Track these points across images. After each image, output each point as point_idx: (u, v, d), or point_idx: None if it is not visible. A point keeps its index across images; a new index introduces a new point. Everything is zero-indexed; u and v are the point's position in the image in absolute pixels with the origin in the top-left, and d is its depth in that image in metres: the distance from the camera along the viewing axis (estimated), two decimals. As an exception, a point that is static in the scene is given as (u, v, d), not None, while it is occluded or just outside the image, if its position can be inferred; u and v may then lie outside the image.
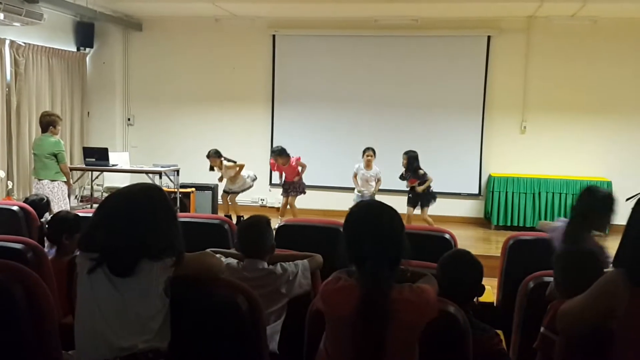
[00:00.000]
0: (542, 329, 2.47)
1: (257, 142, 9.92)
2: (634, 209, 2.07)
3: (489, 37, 9.43)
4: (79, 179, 9.01)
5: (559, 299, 2.41)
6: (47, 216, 5.21)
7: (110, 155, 8.47)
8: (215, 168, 8.80)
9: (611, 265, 2.17)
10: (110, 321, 2.17)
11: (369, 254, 2.14)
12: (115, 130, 10.47)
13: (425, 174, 8.14)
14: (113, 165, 8.48)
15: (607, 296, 1.98)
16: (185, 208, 8.69)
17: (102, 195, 9.11)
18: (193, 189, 9.09)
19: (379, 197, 7.96)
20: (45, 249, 3.71)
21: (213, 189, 9.29)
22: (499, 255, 4.15)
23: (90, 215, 2.42)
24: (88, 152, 8.58)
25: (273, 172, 9.31)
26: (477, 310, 2.67)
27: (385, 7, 8.76)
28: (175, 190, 8.55)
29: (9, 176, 8.51)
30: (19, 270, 2.33)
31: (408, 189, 8.30)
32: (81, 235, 2.44)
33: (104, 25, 10.00)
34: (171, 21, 10.20)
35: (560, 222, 3.70)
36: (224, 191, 8.96)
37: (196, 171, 9.35)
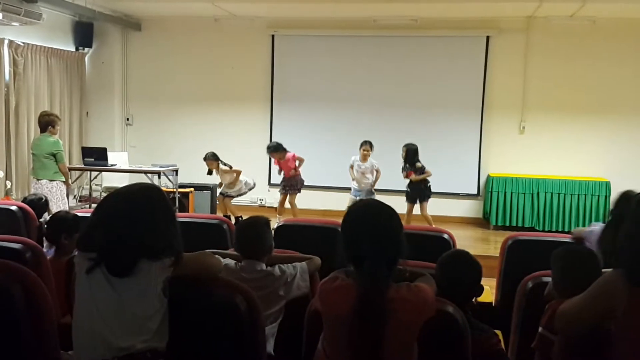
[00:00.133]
0: (540, 329, 2.47)
1: (256, 142, 9.90)
2: (632, 210, 2.07)
3: (488, 37, 9.43)
4: (77, 178, 9.00)
5: (558, 299, 2.41)
6: (46, 216, 5.20)
7: (109, 155, 8.46)
8: (213, 171, 8.79)
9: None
10: (108, 321, 2.17)
11: (367, 254, 2.14)
12: (114, 130, 10.47)
13: (423, 167, 8.13)
14: (112, 165, 8.47)
15: (606, 296, 1.98)
16: (184, 208, 8.68)
17: (100, 195, 9.10)
18: (192, 189, 9.08)
19: (377, 197, 7.97)
20: (44, 249, 3.71)
21: (212, 189, 9.28)
22: (498, 255, 4.16)
23: (89, 215, 2.42)
24: (87, 152, 8.57)
25: (273, 168, 9.27)
26: (475, 310, 2.67)
27: (384, 7, 8.76)
28: (174, 190, 8.54)
29: (7, 176, 8.50)
30: (18, 270, 2.32)
31: (407, 183, 8.28)
32: (80, 235, 2.43)
33: (103, 25, 9.99)
34: (170, 21, 10.19)
35: (596, 227, 3.70)
36: (220, 193, 8.94)
37: (195, 171, 9.34)
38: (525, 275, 3.04)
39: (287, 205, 8.72)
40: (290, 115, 10.08)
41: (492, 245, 8.09)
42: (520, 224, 9.08)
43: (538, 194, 9.13)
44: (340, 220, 2.38)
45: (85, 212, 4.66)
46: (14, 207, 4.85)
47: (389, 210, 2.29)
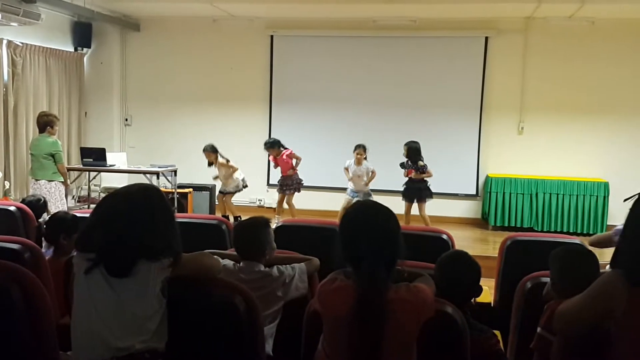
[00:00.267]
0: (539, 330, 2.47)
1: (255, 142, 9.88)
2: (631, 210, 2.07)
3: (486, 38, 9.44)
4: (76, 179, 9.00)
5: (556, 299, 2.42)
6: (45, 216, 5.20)
7: (108, 155, 8.45)
8: (212, 165, 8.77)
9: (609, 265, 2.17)
10: (107, 321, 2.17)
11: (365, 254, 2.15)
12: (112, 131, 10.47)
13: (425, 165, 8.11)
14: (110, 166, 8.46)
15: (605, 296, 1.97)
16: (182, 208, 8.68)
17: (99, 195, 9.10)
18: (191, 190, 9.08)
19: (375, 197, 7.97)
20: (43, 249, 3.71)
21: (211, 189, 9.28)
22: (497, 255, 4.15)
23: (88, 215, 2.42)
24: (85, 152, 8.57)
25: (272, 169, 9.26)
26: (474, 310, 2.68)
27: (383, 8, 8.76)
28: (173, 190, 8.54)
29: (6, 176, 8.50)
30: (16, 270, 2.32)
31: (406, 180, 8.26)
32: (78, 235, 2.43)
33: (101, 26, 9.99)
34: (169, 21, 10.19)
35: (618, 231, 3.68)
36: (220, 192, 8.95)
37: (194, 172, 9.34)
38: (524, 276, 3.04)
39: (285, 205, 8.72)
40: (289, 115, 10.09)
41: (491, 246, 8.09)
42: (519, 225, 9.09)
43: (537, 194, 9.13)
44: (338, 221, 2.39)
45: (84, 212, 4.65)
46: (12, 208, 4.84)
47: (387, 211, 2.29)
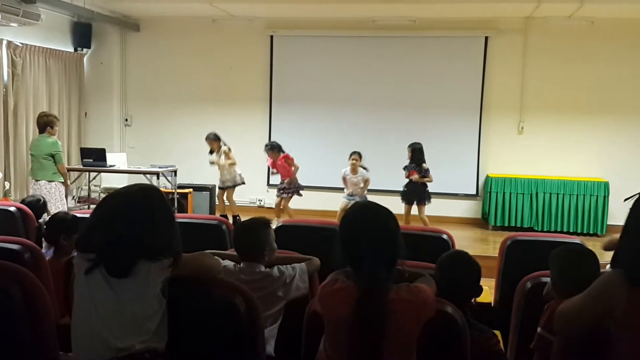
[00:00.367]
0: (539, 329, 2.47)
1: (255, 143, 9.89)
2: (631, 210, 2.07)
3: (486, 38, 9.44)
4: (76, 179, 9.00)
5: (556, 299, 2.42)
6: (45, 217, 5.20)
7: (108, 155, 8.45)
8: (213, 152, 8.73)
9: (609, 265, 2.17)
10: (107, 322, 2.17)
11: (365, 255, 2.15)
12: (112, 131, 10.47)
13: (428, 169, 8.11)
14: (110, 166, 8.47)
15: (605, 296, 1.97)
16: (182, 209, 8.68)
17: (99, 196, 9.11)
18: (191, 190, 9.08)
19: (375, 198, 7.96)
20: (43, 250, 3.71)
21: (211, 189, 9.29)
22: (497, 255, 4.15)
23: (88, 216, 2.42)
24: (85, 152, 8.57)
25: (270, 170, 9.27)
26: (474, 310, 2.68)
27: (383, 8, 8.76)
28: (173, 190, 8.54)
29: (6, 177, 8.50)
30: (16, 271, 2.32)
31: (407, 181, 8.25)
32: (78, 235, 2.43)
33: (101, 26, 9.99)
34: (169, 22, 10.19)
35: None
36: (219, 187, 8.90)
37: (194, 172, 9.35)
38: (524, 276, 3.04)
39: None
40: (289, 115, 10.09)
41: (491, 246, 8.09)
42: (519, 225, 9.09)
43: (537, 194, 9.13)
44: (338, 221, 2.39)
45: (84, 212, 4.65)
46: (12, 208, 4.84)
47: (386, 211, 2.30)
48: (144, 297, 2.19)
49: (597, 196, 8.96)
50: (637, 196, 2.11)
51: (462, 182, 9.62)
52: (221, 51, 10.14)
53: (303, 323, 2.47)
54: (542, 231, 8.79)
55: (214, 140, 8.67)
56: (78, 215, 4.05)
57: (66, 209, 6.94)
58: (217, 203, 9.21)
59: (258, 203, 10.22)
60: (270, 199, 9.97)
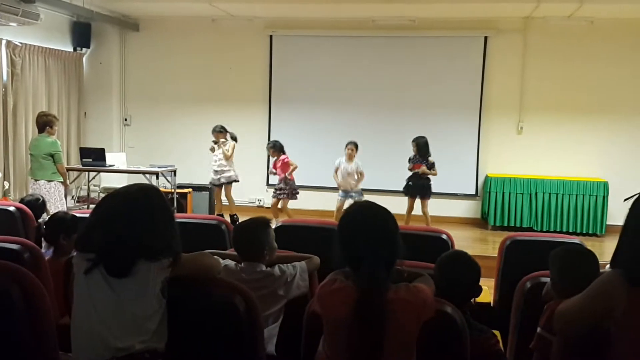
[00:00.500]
0: (538, 330, 2.47)
1: (255, 142, 9.90)
2: (631, 210, 2.07)
3: (486, 38, 9.44)
4: (75, 179, 9.00)
5: (556, 299, 2.42)
6: (45, 217, 5.20)
7: (107, 155, 8.46)
8: (216, 146, 8.69)
9: (608, 265, 2.17)
10: (107, 322, 2.17)
11: (364, 255, 2.15)
12: (112, 131, 10.47)
13: (434, 163, 8.10)
14: (110, 166, 8.47)
15: (604, 296, 1.98)
16: (182, 208, 8.68)
17: (99, 195, 9.11)
18: (190, 190, 9.08)
19: (374, 198, 7.96)
20: (43, 250, 3.71)
21: (210, 189, 9.28)
22: (496, 255, 4.15)
23: (87, 215, 2.41)
24: (85, 152, 8.57)
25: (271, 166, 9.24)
26: (474, 310, 2.67)
27: (382, 8, 8.77)
28: (172, 190, 8.53)
29: (5, 177, 8.50)
30: (16, 271, 2.32)
31: (409, 177, 8.23)
32: (78, 235, 2.43)
33: (100, 26, 9.99)
34: (168, 21, 10.19)
35: None
36: (214, 185, 8.81)
37: (193, 172, 9.34)
38: (524, 276, 3.04)
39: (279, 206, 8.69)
40: (289, 115, 10.09)
41: (491, 246, 8.09)
42: (518, 224, 9.09)
43: (536, 194, 9.14)
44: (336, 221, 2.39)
45: (83, 212, 4.65)
46: (12, 208, 4.84)
47: (385, 211, 2.30)
48: (143, 297, 2.19)
49: (596, 196, 8.97)
50: (636, 196, 2.11)
51: (462, 182, 9.62)
52: (220, 51, 10.14)
53: (303, 323, 2.47)
54: (541, 231, 8.79)
55: (219, 133, 8.62)
56: (77, 215, 4.05)
57: (65, 209, 6.94)
58: (215, 202, 9.15)
59: (257, 203, 10.22)
60: (269, 198, 9.95)
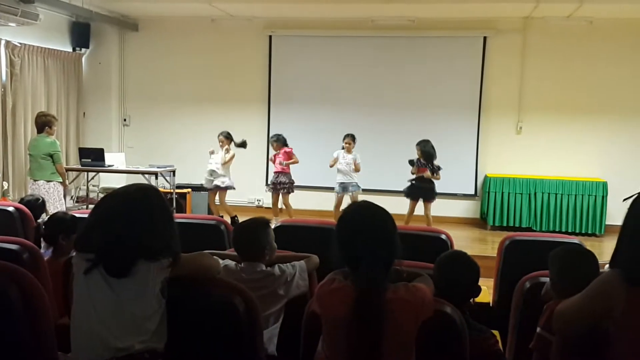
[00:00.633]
0: (538, 329, 2.47)
1: (254, 143, 9.88)
2: (629, 210, 2.07)
3: (485, 38, 9.44)
4: (74, 179, 9.00)
5: (556, 299, 2.42)
6: (44, 217, 5.20)
7: (106, 155, 8.46)
8: (217, 151, 8.66)
9: (608, 265, 2.17)
10: (106, 322, 2.17)
11: (363, 255, 2.16)
12: (111, 131, 10.46)
13: (439, 167, 8.11)
14: (109, 166, 8.46)
15: (603, 296, 1.98)
16: (181, 209, 8.67)
17: (98, 196, 9.10)
18: (189, 190, 9.07)
19: (374, 198, 7.96)
20: (42, 250, 3.71)
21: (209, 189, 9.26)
22: (495, 255, 4.15)
23: (87, 216, 2.41)
24: (84, 152, 8.57)
25: (270, 169, 9.21)
26: (473, 310, 2.68)
27: (382, 8, 8.76)
28: (172, 190, 8.53)
29: (4, 177, 8.49)
30: (15, 271, 2.32)
31: (413, 176, 8.21)
32: (77, 235, 2.43)
33: (100, 26, 9.99)
34: (167, 21, 10.19)
35: None
36: (208, 188, 8.76)
37: (193, 172, 9.33)
38: (523, 276, 3.04)
39: (280, 205, 8.68)
40: (288, 115, 10.08)
41: (490, 246, 8.10)
42: (517, 225, 9.09)
43: (535, 194, 9.14)
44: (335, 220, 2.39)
45: (82, 212, 4.64)
46: (11, 208, 4.83)
47: (383, 211, 2.31)
48: (143, 297, 2.19)
49: (595, 196, 8.97)
50: (635, 196, 2.11)
51: (461, 182, 9.62)
52: (220, 51, 10.14)
53: (302, 323, 2.47)
54: (540, 231, 8.79)
55: (226, 138, 8.59)
56: (77, 215, 4.05)
57: (64, 209, 6.94)
58: (209, 205, 9.06)
59: (257, 203, 10.22)
60: (269, 198, 9.95)
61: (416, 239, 3.97)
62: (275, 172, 8.64)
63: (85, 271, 2.21)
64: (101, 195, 8.53)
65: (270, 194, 8.91)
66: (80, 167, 8.60)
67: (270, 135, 8.87)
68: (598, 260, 2.59)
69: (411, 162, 8.20)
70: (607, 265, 2.37)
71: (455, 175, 9.48)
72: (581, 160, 9.31)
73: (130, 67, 10.48)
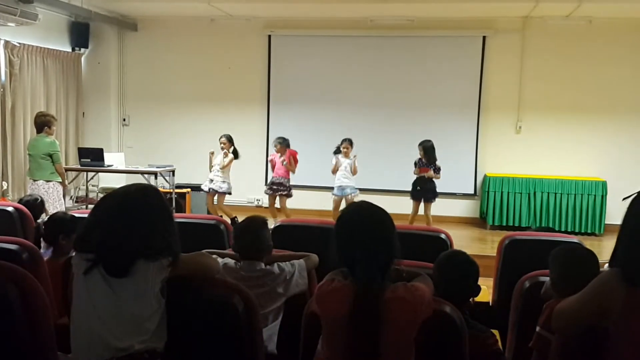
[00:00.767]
0: (537, 329, 2.47)
1: (253, 142, 9.91)
2: (628, 209, 2.07)
3: (484, 37, 9.45)
4: (74, 179, 9.00)
5: (556, 298, 2.42)
6: (44, 217, 5.19)
7: (106, 155, 8.46)
8: (216, 153, 8.64)
9: (607, 265, 2.17)
10: (106, 322, 2.17)
11: (362, 255, 2.16)
12: (110, 131, 10.46)
13: (440, 167, 8.11)
14: (108, 166, 8.47)
15: (602, 296, 1.98)
16: (180, 208, 8.67)
17: (97, 195, 9.09)
18: (189, 190, 9.06)
19: (374, 198, 7.96)
20: (42, 250, 3.71)
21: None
22: (495, 255, 4.15)
23: (86, 215, 2.41)
24: (83, 152, 8.57)
25: (270, 169, 9.20)
26: (473, 310, 2.68)
27: (380, 8, 8.77)
28: (171, 190, 8.53)
29: (3, 177, 8.49)
30: (14, 271, 2.32)
31: (415, 180, 8.22)
32: (77, 235, 2.43)
33: (99, 26, 9.98)
34: (166, 21, 10.19)
35: None
36: (207, 191, 8.71)
37: (192, 172, 9.33)
38: (522, 275, 3.04)
39: (277, 205, 8.66)
40: (287, 115, 10.08)
41: (489, 245, 8.10)
42: (517, 224, 9.10)
43: (535, 193, 9.14)
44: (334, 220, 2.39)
45: (82, 212, 4.64)
46: (10, 208, 4.83)
47: (381, 211, 2.31)
48: (142, 297, 2.19)
49: (594, 195, 8.97)
50: (635, 195, 2.11)
51: (460, 181, 9.62)
52: (219, 51, 10.14)
53: (301, 323, 2.47)
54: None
55: (228, 141, 8.58)
56: (76, 215, 4.04)
57: (64, 209, 6.94)
58: (207, 207, 9.03)
59: (256, 203, 10.22)
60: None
61: (415, 238, 3.97)
62: (274, 175, 8.60)
63: (85, 271, 2.21)
64: (101, 195, 8.54)
65: (266, 193, 8.87)
66: (79, 167, 8.60)
67: (275, 137, 8.80)
68: (598, 260, 2.59)
69: (415, 164, 8.21)
70: (606, 265, 2.37)
71: (454, 175, 9.48)
72: (581, 159, 9.32)
73: (130, 67, 10.48)
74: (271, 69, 10.06)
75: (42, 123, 7.24)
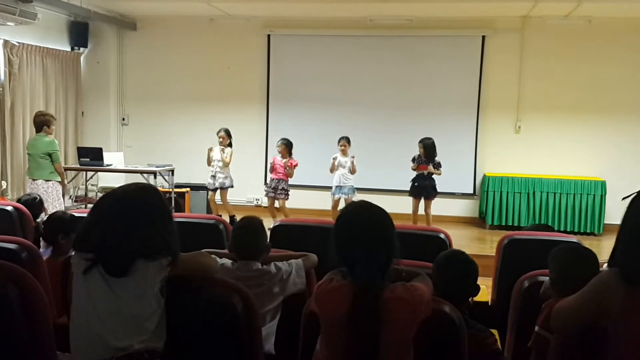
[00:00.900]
0: (536, 328, 2.47)
1: (253, 142, 9.91)
2: (628, 209, 2.07)
3: (483, 37, 9.45)
4: (73, 179, 8.99)
5: (555, 298, 2.42)
6: (43, 216, 5.19)
7: (105, 155, 8.46)
8: (217, 148, 8.63)
9: (606, 264, 2.17)
10: (105, 321, 2.17)
11: (361, 255, 2.15)
12: (109, 130, 10.45)
13: (440, 163, 8.10)
14: (107, 165, 8.46)
15: (600, 295, 1.98)
16: (180, 208, 8.67)
17: (96, 195, 9.09)
18: (188, 189, 9.07)
19: (373, 197, 7.95)
20: (41, 249, 3.70)
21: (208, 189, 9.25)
22: (494, 254, 4.16)
23: (85, 215, 2.41)
24: (82, 152, 8.56)
25: (269, 169, 9.19)
26: (472, 309, 2.68)
27: (380, 7, 8.77)
28: (170, 190, 8.53)
29: (3, 176, 8.49)
30: (14, 270, 2.31)
31: (414, 177, 8.21)
32: (76, 235, 2.43)
33: (98, 25, 9.97)
34: (166, 21, 10.18)
35: None
36: (211, 189, 8.72)
37: (191, 171, 9.33)
38: (522, 275, 3.04)
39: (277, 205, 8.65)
40: (287, 115, 10.08)
41: (488, 245, 8.11)
42: (516, 224, 9.10)
43: (534, 193, 9.14)
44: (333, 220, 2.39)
45: (81, 212, 4.64)
46: (9, 208, 4.83)
47: (381, 211, 2.31)
48: (142, 296, 2.19)
49: (594, 195, 8.97)
50: (634, 195, 2.11)
51: (460, 181, 9.62)
52: (218, 50, 10.14)
53: (300, 323, 2.47)
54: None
55: (226, 134, 8.56)
56: (76, 214, 4.04)
57: (63, 208, 6.93)
58: (210, 204, 9.05)
59: (256, 202, 10.22)
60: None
61: (415, 238, 3.98)
62: (274, 178, 8.57)
63: (85, 271, 2.21)
64: (100, 195, 8.53)
65: (266, 196, 8.85)
66: (78, 166, 8.59)
67: (279, 138, 8.77)
68: (598, 260, 2.59)
69: (413, 160, 8.21)
70: (605, 265, 2.37)
71: (454, 175, 9.48)
72: (580, 159, 9.32)
73: (129, 66, 10.48)
74: (270, 68, 10.06)
75: (42, 122, 7.24)
